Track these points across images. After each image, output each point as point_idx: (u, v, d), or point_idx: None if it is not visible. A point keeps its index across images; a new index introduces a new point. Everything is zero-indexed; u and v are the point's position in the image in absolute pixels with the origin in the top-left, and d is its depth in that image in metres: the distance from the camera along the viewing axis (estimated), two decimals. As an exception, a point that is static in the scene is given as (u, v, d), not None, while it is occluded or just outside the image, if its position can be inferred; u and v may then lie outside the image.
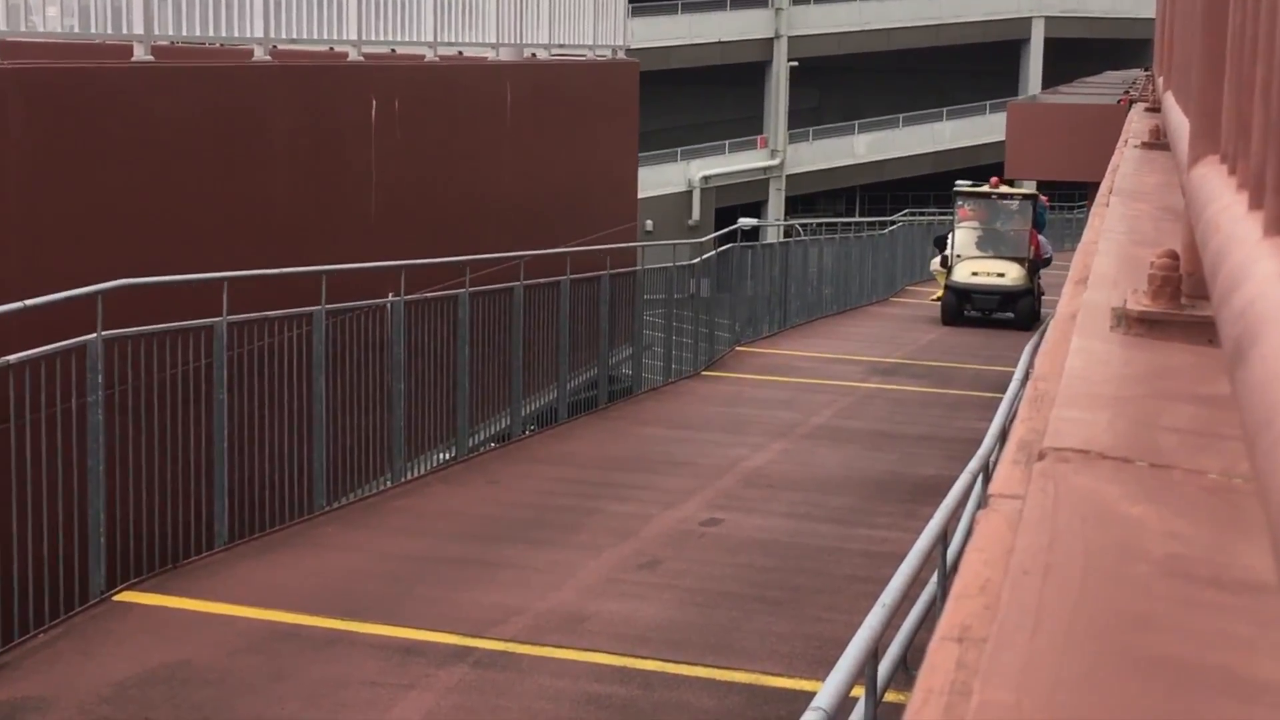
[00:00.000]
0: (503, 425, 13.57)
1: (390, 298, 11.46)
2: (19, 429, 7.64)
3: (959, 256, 22.88)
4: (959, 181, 24.37)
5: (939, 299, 23.52)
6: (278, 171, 11.88)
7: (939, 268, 24.05)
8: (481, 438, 13.12)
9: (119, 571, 8.28)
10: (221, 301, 9.32)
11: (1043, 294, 22.56)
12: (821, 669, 6.50)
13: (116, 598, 7.98)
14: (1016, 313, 22.36)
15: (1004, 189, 23.41)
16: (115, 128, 9.92)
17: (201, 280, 9.58)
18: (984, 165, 35.76)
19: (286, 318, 10.15)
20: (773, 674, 7.30)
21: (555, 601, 8.28)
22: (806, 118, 46.92)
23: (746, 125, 45.74)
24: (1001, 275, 22.38)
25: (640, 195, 23.69)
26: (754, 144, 45.41)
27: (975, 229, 23.14)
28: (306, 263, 11.05)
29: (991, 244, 22.98)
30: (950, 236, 23.36)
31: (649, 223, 36.60)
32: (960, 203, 23.27)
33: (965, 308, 22.68)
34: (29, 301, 7.99)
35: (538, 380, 14.22)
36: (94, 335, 8.16)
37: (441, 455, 12.22)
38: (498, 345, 13.14)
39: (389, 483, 11.21)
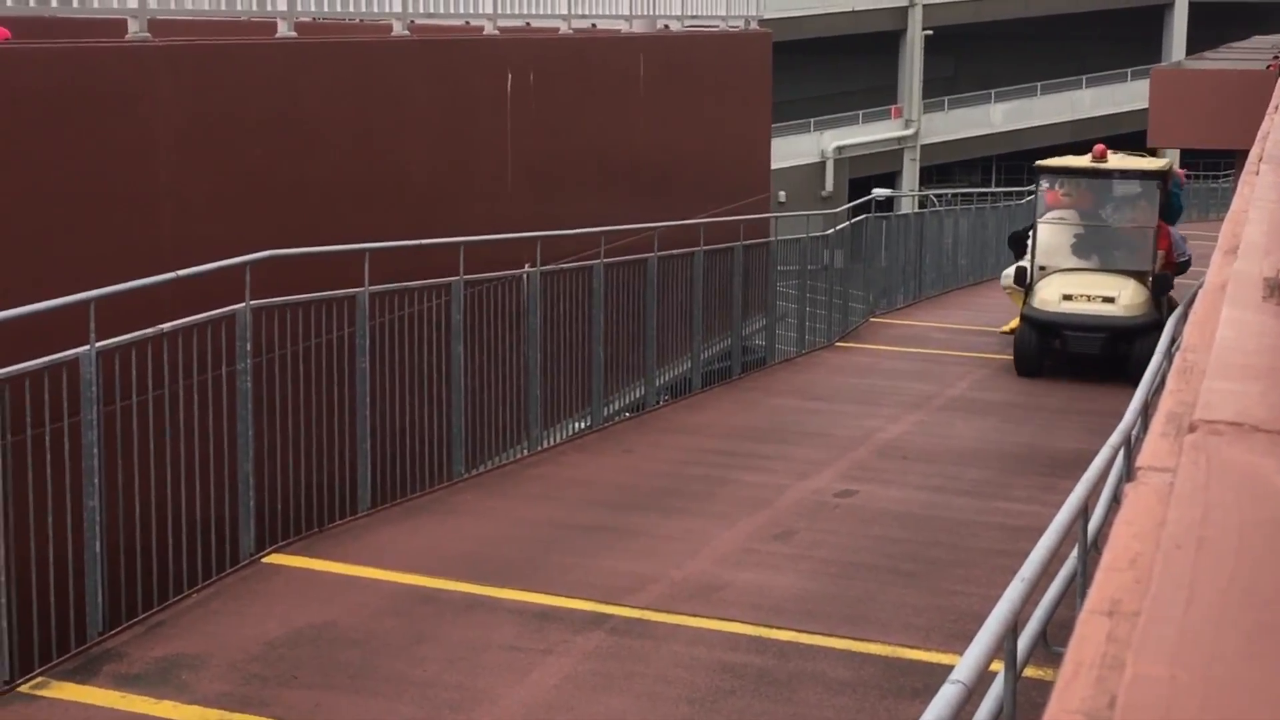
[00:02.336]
0: (637, 395, 13.66)
1: (526, 268, 11.59)
2: (173, 395, 7.89)
3: (1043, 269, 15.11)
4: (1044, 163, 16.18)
5: (1012, 330, 16.01)
6: (415, 144, 12.07)
7: (1013, 284, 15.67)
8: (616, 407, 13.22)
9: (267, 534, 8.53)
10: (363, 272, 9.51)
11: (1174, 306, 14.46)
12: (958, 642, 6.48)
13: (265, 560, 8.22)
14: (1132, 358, 14.00)
15: (1119, 159, 15.55)
16: (259, 102, 10.15)
17: (344, 251, 9.78)
18: (1125, 134, 34.95)
19: (425, 288, 10.33)
20: (909, 646, 7.29)
21: (690, 570, 8.35)
22: (941, 87, 46.24)
23: (880, 95, 45.22)
24: (1110, 300, 14.61)
25: (773, 166, 23.59)
26: (888, 114, 44.89)
27: (1070, 226, 15.56)
28: (443, 234, 11.22)
29: (1095, 248, 15.35)
30: (1030, 236, 15.53)
31: (782, 194, 36.44)
32: (1047, 183, 15.67)
33: (1051, 350, 14.90)
34: (181, 272, 8.24)
35: (671, 351, 14.28)
36: (242, 304, 8.39)
37: (577, 424, 12.35)
38: (632, 316, 13.22)
39: (525, 451, 11.37)
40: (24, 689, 6.50)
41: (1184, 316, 10.51)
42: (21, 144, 8.09)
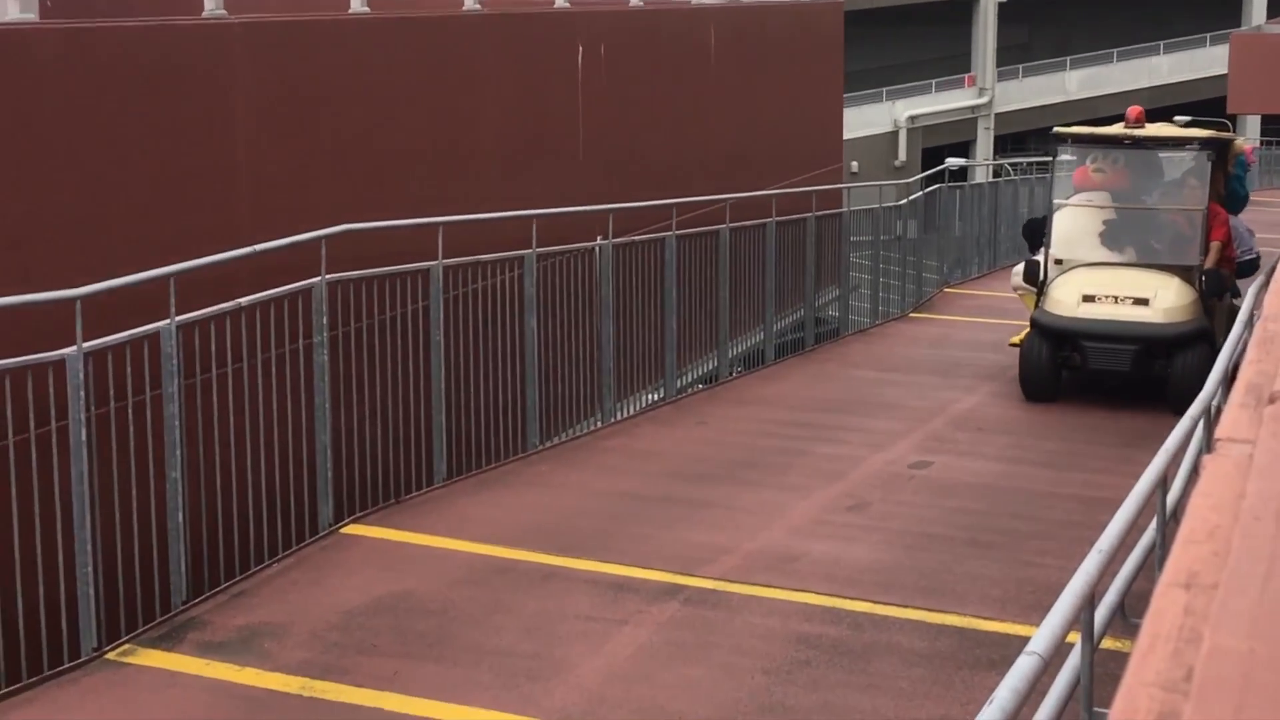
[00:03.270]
0: (710, 367, 13.67)
1: (598, 241, 11.62)
2: (251, 368, 8.01)
3: (1059, 263, 12.20)
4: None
5: (1021, 343, 12.45)
6: (488, 119, 12.12)
7: (1023, 284, 12.61)
8: (689, 379, 13.24)
9: (345, 506, 8.65)
10: (437, 246, 9.58)
11: (1237, 308, 11.36)
12: (1035, 614, 6.46)
13: (343, 530, 8.33)
14: (1172, 378, 11.51)
15: (1158, 127, 12.84)
16: (334, 78, 10.24)
17: (417, 225, 9.86)
18: (1203, 101, 34.33)
19: (498, 261, 10.39)
20: (985, 618, 7.26)
21: (764, 541, 8.36)
22: (1015, 55, 45.64)
23: (953, 64, 44.72)
24: (1143, 302, 11.67)
25: (846, 136, 23.43)
26: (961, 83, 44.39)
27: (1096, 210, 12.55)
28: (515, 207, 11.28)
29: (1128, 238, 12.36)
30: (1048, 222, 12.52)
31: (854, 164, 36.18)
32: (1066, 153, 12.78)
33: (1066, 367, 12.03)
34: (258, 247, 8.35)
35: (744, 322, 14.27)
36: (318, 279, 8.48)
37: (650, 396, 12.38)
38: (704, 287, 13.22)
39: (599, 423, 11.42)
40: (111, 656, 6.65)
41: (1265, 285, 10.26)
42: (104, 121, 8.22)
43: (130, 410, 7.32)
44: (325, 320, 8.46)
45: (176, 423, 7.34)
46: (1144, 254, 12.28)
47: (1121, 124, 12.71)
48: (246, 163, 9.32)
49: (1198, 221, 12.13)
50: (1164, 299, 11.71)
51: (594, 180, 13.44)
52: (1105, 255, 12.33)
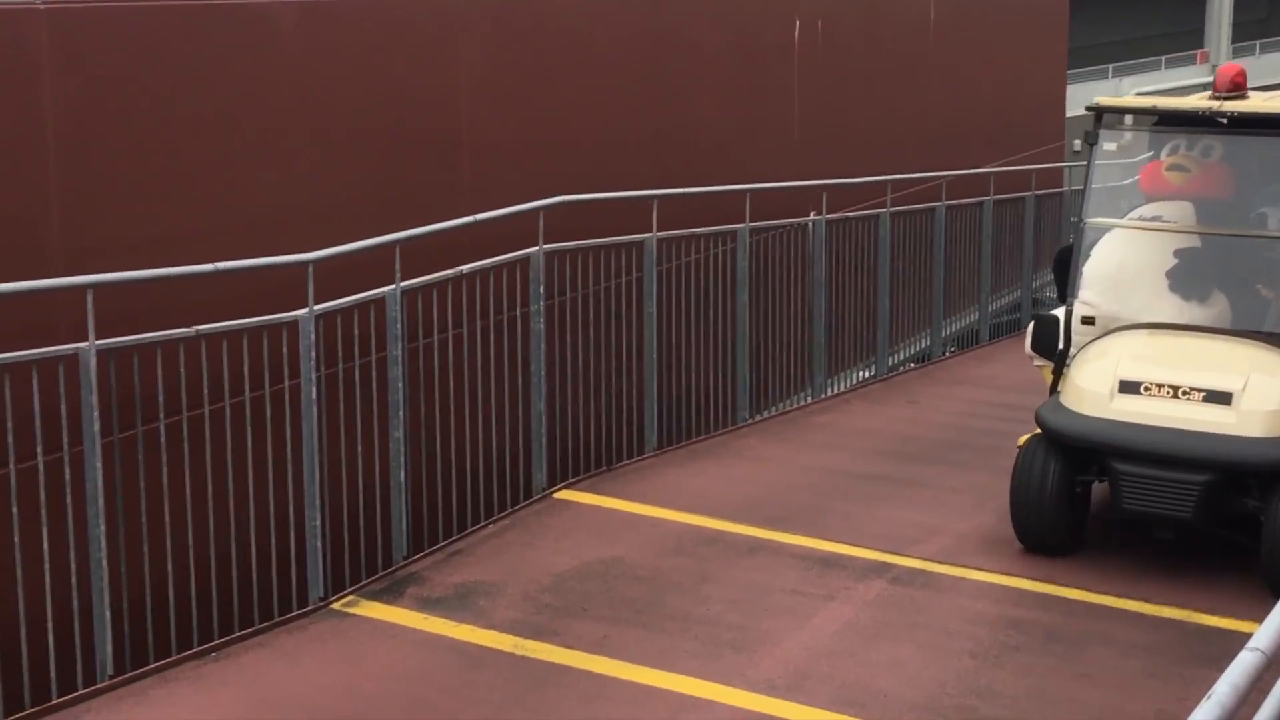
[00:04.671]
0: (922, 346, 13.51)
1: (812, 216, 11.57)
2: (471, 334, 8.21)
3: (1089, 321, 7.89)
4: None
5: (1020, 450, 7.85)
6: (704, 93, 12.15)
7: (1035, 355, 8.25)
8: (901, 357, 13.11)
9: (558, 471, 8.81)
10: (651, 218, 9.66)
11: None
12: (1258, 609, 6.22)
13: (556, 495, 8.49)
14: (1269, 525, 7.02)
15: (1270, 98, 8.11)
16: (554, 50, 10.39)
17: (633, 197, 9.95)
18: None
19: (712, 234, 10.42)
20: (1205, 611, 7.04)
21: (975, 523, 8.24)
22: (1252, 30, 43.78)
23: (1185, 40, 43.10)
24: (1226, 397, 7.19)
25: (1069, 114, 22.81)
26: (1193, 59, 42.77)
27: (1163, 232, 7.98)
28: (730, 181, 11.29)
29: (1212, 283, 7.86)
30: (1074, 258, 7.99)
31: (1077, 142, 35.20)
32: (1112, 140, 8.57)
33: (1087, 500, 7.79)
34: (479, 216, 8.54)
35: (958, 302, 14.05)
36: (535, 248, 8.63)
37: (861, 373, 12.30)
38: (918, 266, 13.05)
39: (809, 398, 11.40)
40: (336, 606, 6.91)
41: None
42: (336, 92, 8.49)
43: (357, 371, 7.57)
44: (542, 289, 8.61)
45: (400, 385, 7.56)
46: (1238, 313, 7.69)
47: (1211, 91, 7.88)
48: (469, 133, 9.53)
49: None
50: (1262, 393, 7.14)
51: (809, 156, 13.37)
52: (1169, 311, 7.73)
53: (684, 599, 7.06)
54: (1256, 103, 7.82)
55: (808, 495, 8.71)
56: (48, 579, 6.05)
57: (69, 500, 6.12)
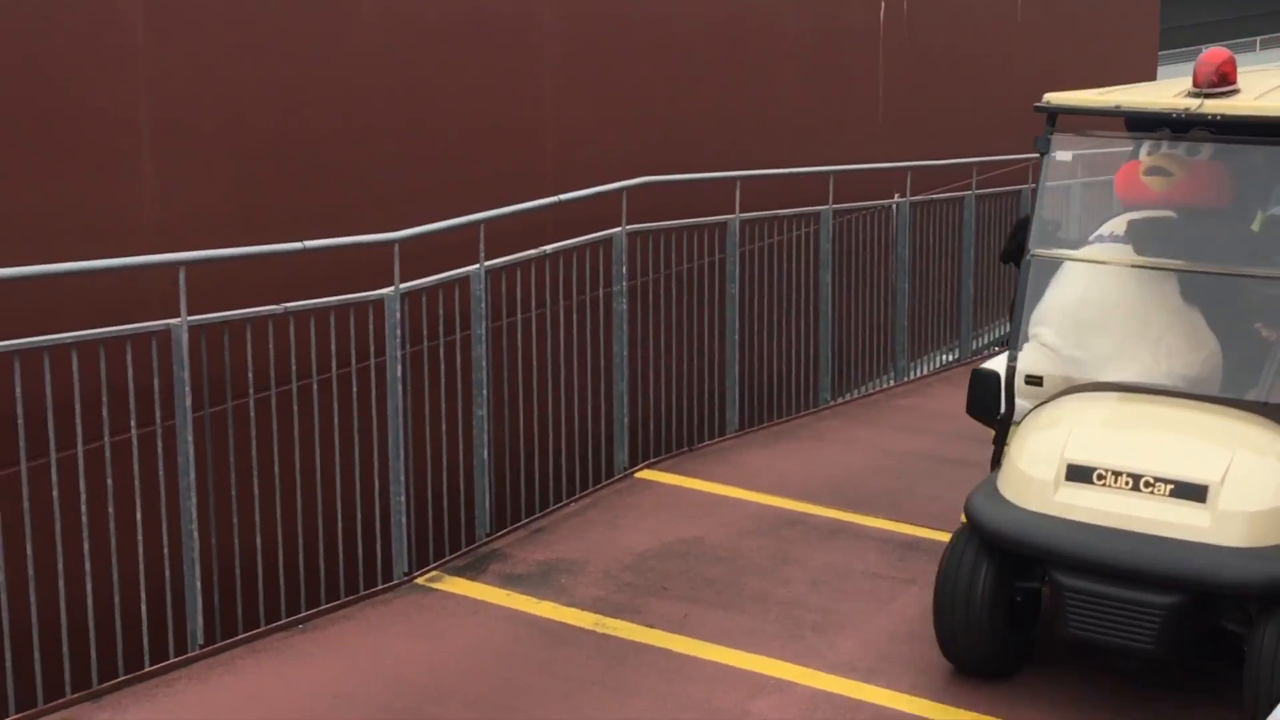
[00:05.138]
0: (1006, 330, 13.37)
1: (895, 199, 11.50)
2: (554, 314, 8.25)
3: (1035, 381, 6.09)
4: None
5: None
6: (786, 75, 12.10)
7: (990, 418, 6.28)
8: (984, 341, 13.00)
9: (639, 451, 8.84)
10: (733, 199, 9.64)
11: None
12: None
13: (637, 475, 8.52)
14: (1257, 655, 5.27)
15: (1252, 96, 5.84)
16: (636, 32, 10.39)
17: (716, 179, 9.94)
18: None
19: (794, 216, 10.39)
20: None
21: (1059, 508, 8.14)
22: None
23: None
24: (1199, 492, 5.41)
25: (1156, 96, 22.44)
26: (1286, 40, 41.92)
27: (1113, 273, 6.11)
28: (813, 163, 11.24)
29: (1193, 331, 6.03)
30: (1018, 300, 6.10)
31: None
32: (1064, 147, 6.40)
33: (1031, 617, 6.02)
34: (562, 196, 8.57)
35: (1043, 286, 13.88)
36: (618, 229, 8.65)
37: (944, 357, 12.21)
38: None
39: (891, 381, 11.34)
40: (420, 581, 6.99)
41: None
42: (423, 73, 8.56)
43: (442, 349, 7.64)
44: (625, 269, 8.64)
45: (484, 363, 7.62)
46: (1228, 372, 5.99)
47: (1191, 85, 5.99)
48: (551, 114, 9.56)
49: None
50: (1246, 488, 5.44)
51: (892, 138, 13.28)
52: (1140, 366, 6.06)
53: (764, 580, 7.07)
54: (1247, 101, 5.83)
55: (889, 478, 8.67)
56: (141, 550, 6.18)
57: (161, 473, 6.24)
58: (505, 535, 7.57)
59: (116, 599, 6.12)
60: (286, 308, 6.66)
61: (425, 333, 7.51)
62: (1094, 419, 5.85)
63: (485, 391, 7.63)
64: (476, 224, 7.67)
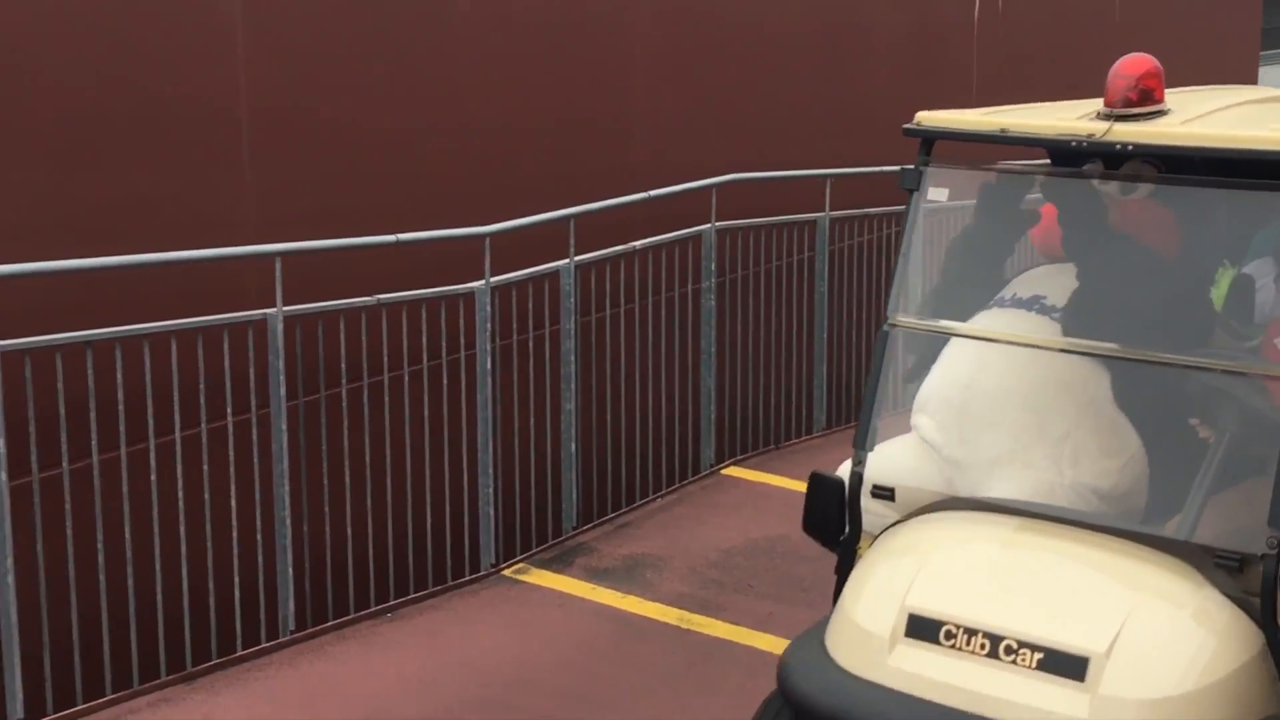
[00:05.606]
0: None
1: (988, 198, 11.37)
2: (642, 309, 8.27)
3: (885, 494, 4.44)
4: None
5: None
6: (879, 72, 12.02)
7: (830, 539, 4.55)
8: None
9: (726, 448, 8.84)
10: (824, 197, 9.60)
11: None
12: None
13: (723, 471, 8.52)
14: None
15: (1179, 120, 4.19)
16: (728, 28, 10.37)
17: (805, 176, 9.91)
18: None
19: (885, 215, 10.32)
20: None
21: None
22: None
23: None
24: (1079, 667, 3.66)
25: (1258, 96, 22.04)
26: (1393, 39, 40.91)
27: (1026, 360, 4.44)
28: (905, 162, 11.14)
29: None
30: (872, 383, 4.48)
31: (1263, 126, 33.91)
32: (928, 189, 4.67)
33: None
34: (653, 192, 8.58)
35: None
36: (708, 225, 8.65)
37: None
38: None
39: (980, 382, 11.20)
40: (507, 572, 7.05)
41: None
42: (519, 70, 8.61)
43: (531, 343, 7.69)
44: (714, 266, 8.63)
45: (572, 357, 7.66)
46: (1143, 497, 4.35)
47: (1095, 113, 4.49)
48: (643, 110, 9.58)
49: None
50: (1138, 664, 3.71)
51: (985, 136, 13.13)
52: (1029, 479, 4.40)
53: (850, 578, 7.03)
54: (1171, 127, 4.25)
55: (978, 479, 8.58)
56: (235, 536, 6.28)
57: (256, 461, 6.35)
58: (591, 529, 7.60)
59: (211, 584, 6.23)
60: (379, 299, 6.74)
61: (515, 326, 7.57)
62: (954, 551, 4.14)
63: (574, 385, 7.66)
64: (567, 219, 7.70)
